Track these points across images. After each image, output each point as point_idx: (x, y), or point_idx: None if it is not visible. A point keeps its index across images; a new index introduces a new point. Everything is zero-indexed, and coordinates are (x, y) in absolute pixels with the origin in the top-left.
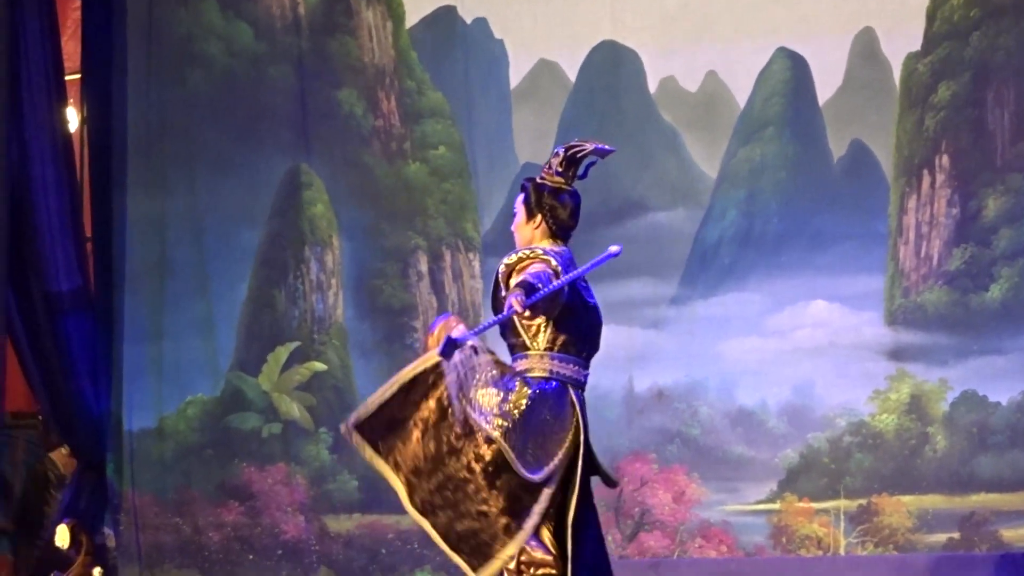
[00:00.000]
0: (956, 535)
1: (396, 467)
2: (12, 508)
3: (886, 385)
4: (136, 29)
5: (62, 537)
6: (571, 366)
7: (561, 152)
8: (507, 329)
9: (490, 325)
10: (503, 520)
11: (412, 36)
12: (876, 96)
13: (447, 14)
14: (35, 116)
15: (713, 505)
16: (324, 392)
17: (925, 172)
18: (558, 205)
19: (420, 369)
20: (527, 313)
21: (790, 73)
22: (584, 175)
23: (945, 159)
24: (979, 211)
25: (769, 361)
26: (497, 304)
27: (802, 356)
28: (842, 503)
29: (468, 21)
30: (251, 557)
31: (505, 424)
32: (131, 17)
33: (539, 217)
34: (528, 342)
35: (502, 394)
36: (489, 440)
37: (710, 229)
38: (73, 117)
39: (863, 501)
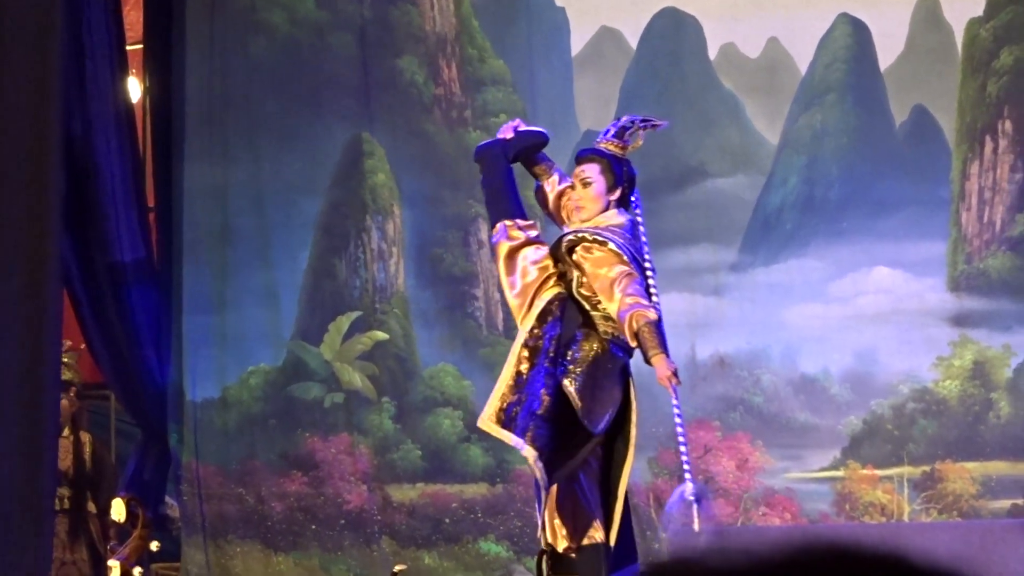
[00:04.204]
0: (1020, 501)
1: None
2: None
3: (949, 351)
4: None
5: (118, 511)
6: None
7: (626, 122)
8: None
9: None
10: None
11: (473, 4)
12: (938, 62)
13: None
14: (98, 87)
15: (777, 473)
16: (386, 361)
17: (987, 138)
18: (634, 175)
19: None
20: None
21: (852, 39)
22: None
23: (1008, 124)
24: None
25: (831, 328)
26: (559, 264)
27: (864, 323)
28: (906, 470)
29: None
30: (314, 527)
31: (575, 371)
32: None
33: (620, 188)
34: (589, 308)
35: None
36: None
37: (771, 195)
38: (136, 87)
39: (927, 468)
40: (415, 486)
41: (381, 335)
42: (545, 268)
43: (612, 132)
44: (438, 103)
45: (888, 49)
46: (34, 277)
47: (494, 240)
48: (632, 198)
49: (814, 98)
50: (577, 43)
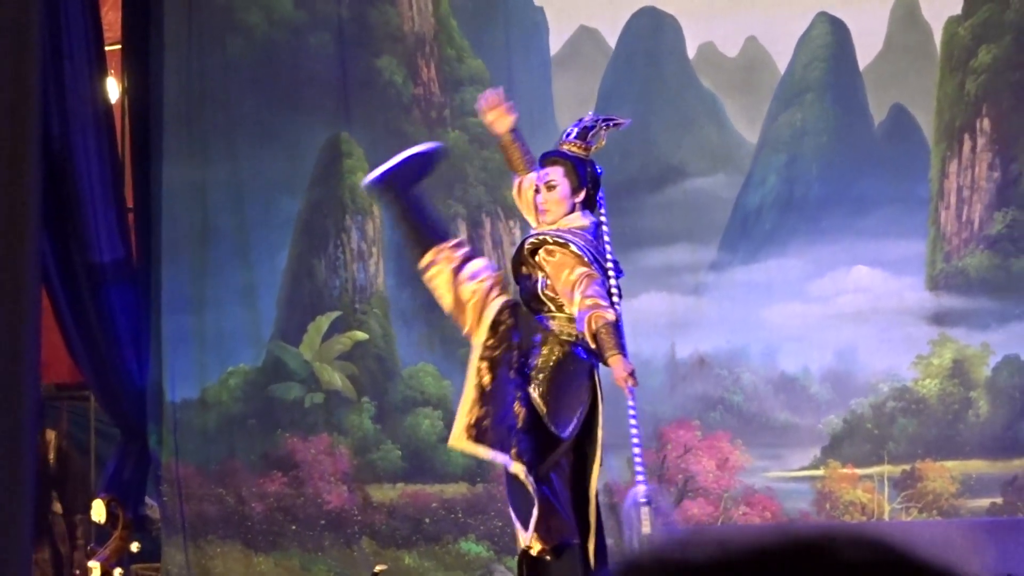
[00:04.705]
0: (999, 500)
1: None
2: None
3: (928, 350)
4: None
5: (98, 512)
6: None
7: (588, 123)
8: (529, 295)
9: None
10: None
11: (452, 4)
12: (917, 60)
13: None
14: (76, 87)
15: (757, 472)
16: (366, 361)
17: (966, 136)
18: (598, 177)
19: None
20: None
21: (831, 38)
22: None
23: (986, 122)
24: (1020, 174)
25: (811, 327)
26: (522, 267)
27: (844, 321)
28: (886, 468)
29: None
30: (294, 527)
31: (538, 376)
32: None
33: (585, 190)
34: (553, 308)
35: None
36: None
37: (751, 194)
38: (114, 87)
39: (907, 466)
40: (395, 486)
41: (361, 335)
42: (484, 279)
43: (575, 133)
44: (417, 103)
45: (867, 48)
46: (13, 277)
47: (426, 272)
48: (598, 198)
49: (793, 97)
50: (556, 43)
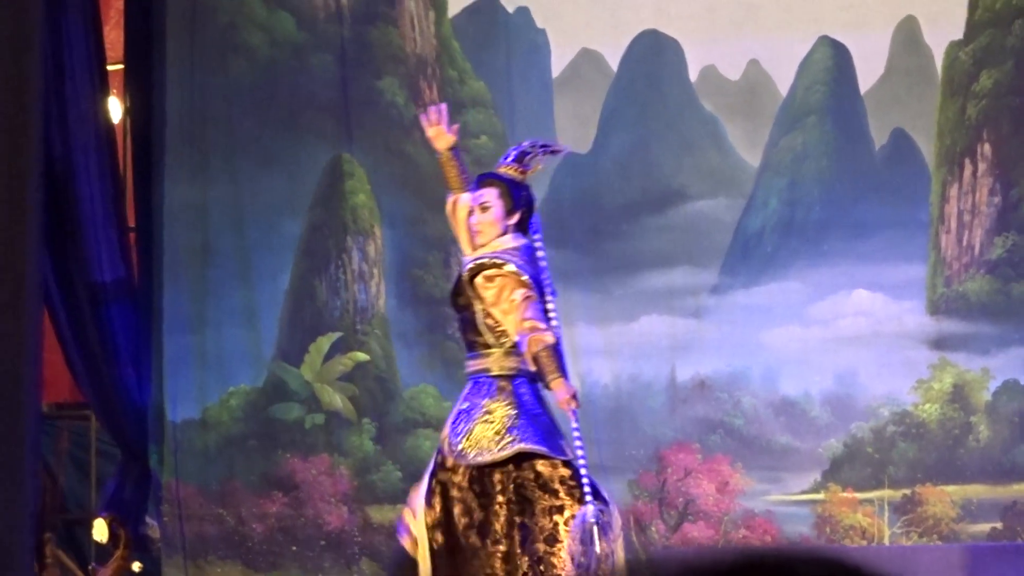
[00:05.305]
0: (999, 525)
1: None
2: (56, 499)
3: (929, 374)
4: (178, 19)
5: (100, 531)
6: (522, 358)
7: (526, 147)
8: (467, 325)
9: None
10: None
11: (454, 25)
12: (918, 85)
13: (489, 3)
14: (77, 106)
15: (757, 495)
16: (367, 382)
17: (967, 161)
18: (533, 200)
19: None
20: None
21: (832, 62)
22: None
23: (987, 147)
24: (1021, 199)
25: (811, 350)
26: (460, 298)
27: (844, 345)
28: (886, 493)
29: (510, 10)
30: (294, 548)
31: (515, 435)
32: (173, 7)
33: (519, 213)
34: (491, 340)
35: (490, 421)
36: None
37: (752, 218)
38: (117, 107)
39: (907, 491)
40: (395, 507)
41: (362, 356)
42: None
43: (512, 156)
44: (419, 124)
45: (868, 72)
46: (14, 295)
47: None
48: (532, 222)
49: (795, 120)
50: (557, 65)
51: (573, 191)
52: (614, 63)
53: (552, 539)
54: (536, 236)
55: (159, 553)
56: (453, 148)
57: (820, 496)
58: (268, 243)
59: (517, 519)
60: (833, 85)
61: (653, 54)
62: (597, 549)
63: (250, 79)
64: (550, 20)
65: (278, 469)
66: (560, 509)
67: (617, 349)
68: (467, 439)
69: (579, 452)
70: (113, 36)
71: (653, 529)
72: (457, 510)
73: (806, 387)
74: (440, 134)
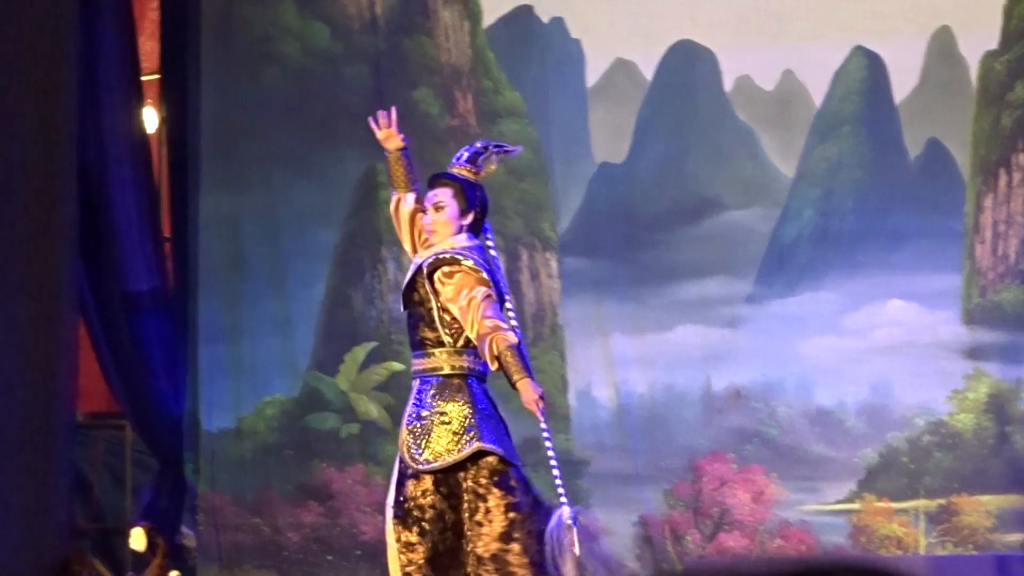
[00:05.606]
0: None
1: None
2: (92, 508)
3: (963, 384)
4: (213, 29)
5: (137, 540)
6: (475, 358)
7: (479, 147)
8: (420, 322)
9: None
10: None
11: (489, 36)
12: (953, 95)
13: (524, 14)
14: (112, 117)
15: (792, 505)
16: (402, 392)
17: (1002, 170)
18: (486, 201)
19: None
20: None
21: (867, 72)
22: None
23: (1022, 157)
24: None
25: (846, 360)
26: (414, 294)
27: (879, 355)
28: (921, 503)
29: (545, 20)
30: (329, 558)
31: (473, 434)
32: (208, 17)
33: (472, 213)
34: (446, 338)
35: (447, 423)
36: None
37: (786, 228)
38: (152, 117)
39: (943, 501)
40: None
41: (397, 366)
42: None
43: (466, 157)
44: (453, 134)
45: (903, 82)
46: (48, 306)
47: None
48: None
49: (829, 130)
50: (592, 75)
51: (608, 201)
52: (648, 73)
53: (506, 537)
54: (488, 238)
55: (195, 562)
56: (404, 149)
57: (855, 506)
58: (302, 253)
59: (475, 517)
60: (868, 95)
61: (688, 64)
62: (575, 549)
63: (284, 89)
64: (585, 30)
65: (313, 479)
66: (515, 506)
67: (652, 359)
68: (427, 448)
69: (550, 453)
70: (148, 46)
71: (688, 539)
72: (429, 516)
73: (841, 397)
74: (390, 136)
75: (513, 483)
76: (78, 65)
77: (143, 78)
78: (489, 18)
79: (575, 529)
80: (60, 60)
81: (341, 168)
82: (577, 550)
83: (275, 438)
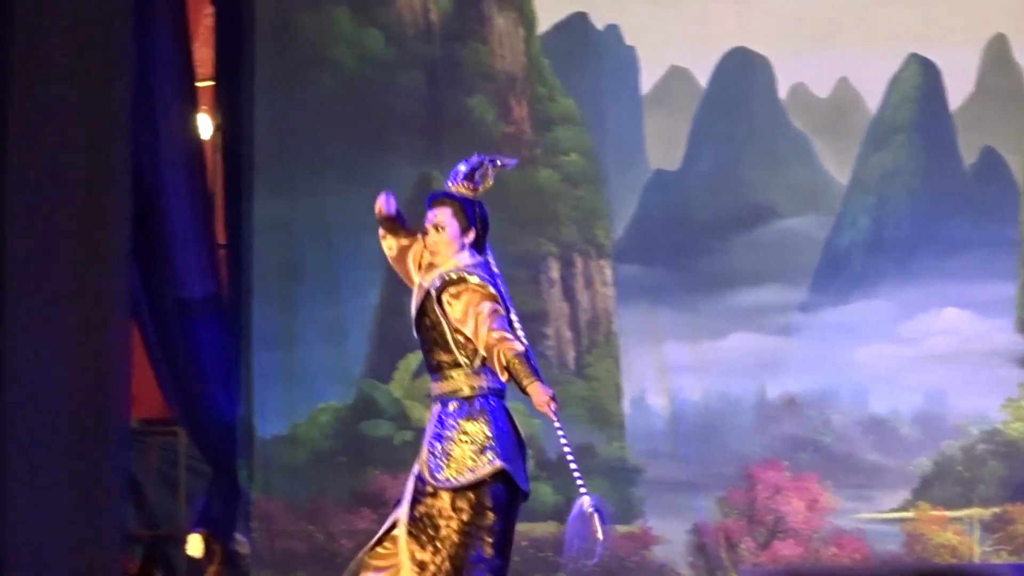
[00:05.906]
0: None
1: None
2: (146, 515)
3: (1018, 393)
4: (267, 35)
5: (195, 546)
6: (493, 376)
7: (475, 163)
8: (435, 345)
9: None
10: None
11: (543, 43)
12: (1008, 102)
13: (578, 21)
14: (167, 123)
15: (847, 513)
16: None
17: None
18: (487, 217)
19: None
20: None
21: (921, 79)
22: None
23: None
24: None
25: (901, 368)
26: (426, 319)
27: (934, 363)
28: (976, 511)
29: (599, 28)
30: None
31: (495, 453)
32: (263, 24)
33: (473, 230)
34: (462, 359)
35: (468, 442)
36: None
37: (841, 235)
38: (207, 124)
39: (997, 509)
40: None
41: None
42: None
43: (463, 173)
44: (508, 141)
45: (957, 89)
46: (101, 312)
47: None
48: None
49: (883, 138)
50: (647, 82)
51: (662, 208)
52: (703, 80)
53: (471, 522)
54: (487, 254)
55: (249, 569)
56: (397, 214)
57: (910, 514)
58: (356, 259)
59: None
60: (923, 103)
61: (742, 71)
62: (599, 536)
63: (338, 96)
64: (639, 37)
65: (367, 486)
66: (494, 518)
67: (706, 366)
68: (448, 465)
69: (566, 449)
70: (203, 53)
71: (743, 547)
72: (443, 535)
73: (895, 405)
74: (386, 219)
75: (505, 505)
76: (133, 71)
77: (198, 84)
78: (544, 25)
79: (596, 516)
80: (115, 66)
81: (395, 175)
82: (600, 536)
83: (329, 445)
